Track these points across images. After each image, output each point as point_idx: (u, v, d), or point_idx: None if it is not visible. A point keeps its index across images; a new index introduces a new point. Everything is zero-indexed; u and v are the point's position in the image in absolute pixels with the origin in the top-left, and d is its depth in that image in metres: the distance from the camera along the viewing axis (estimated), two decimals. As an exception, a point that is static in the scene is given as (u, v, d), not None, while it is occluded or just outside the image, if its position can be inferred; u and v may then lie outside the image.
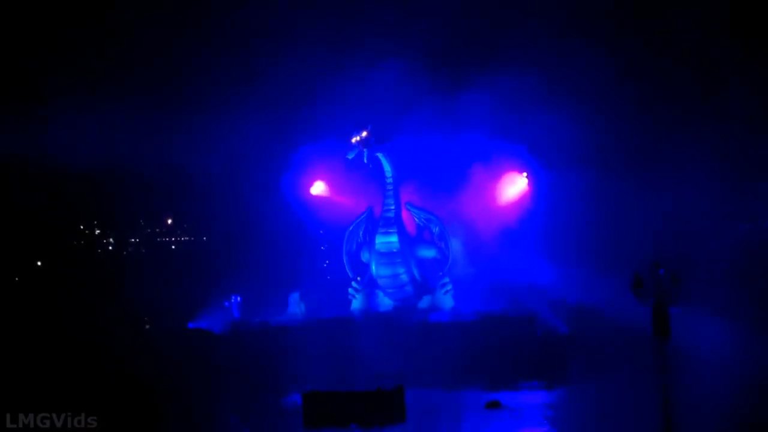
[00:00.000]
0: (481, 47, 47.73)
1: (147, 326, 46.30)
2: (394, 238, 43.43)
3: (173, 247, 61.52)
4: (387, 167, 43.25)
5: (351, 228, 44.98)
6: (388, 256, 43.64)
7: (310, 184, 46.91)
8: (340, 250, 45.31)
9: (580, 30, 46.26)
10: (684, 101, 47.25)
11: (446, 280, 43.34)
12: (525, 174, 44.52)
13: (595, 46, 44.53)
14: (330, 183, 46.87)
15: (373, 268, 44.05)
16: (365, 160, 42.58)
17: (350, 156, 42.49)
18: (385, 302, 43.88)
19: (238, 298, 44.27)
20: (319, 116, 47.13)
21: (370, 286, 44.30)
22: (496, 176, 44.82)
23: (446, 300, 43.16)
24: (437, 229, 43.90)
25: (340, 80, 44.24)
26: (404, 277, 43.59)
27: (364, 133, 42.23)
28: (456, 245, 44.36)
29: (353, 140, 42.25)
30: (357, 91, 43.37)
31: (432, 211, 44.33)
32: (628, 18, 48.44)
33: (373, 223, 44.43)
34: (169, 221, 61.27)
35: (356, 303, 44.07)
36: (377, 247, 43.78)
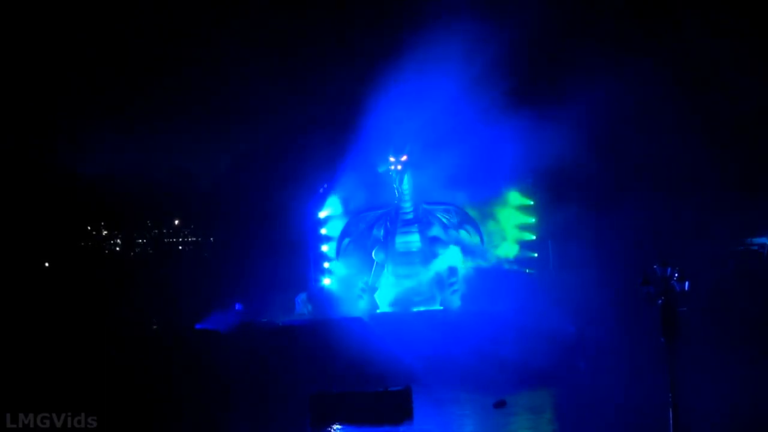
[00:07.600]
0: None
1: (154, 326, 46.24)
2: (414, 237, 44.17)
3: (180, 247, 61.55)
4: (408, 183, 44.17)
5: (362, 214, 45.36)
6: (406, 256, 44.27)
7: (319, 186, 47.10)
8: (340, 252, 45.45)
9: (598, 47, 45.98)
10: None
11: (454, 279, 43.54)
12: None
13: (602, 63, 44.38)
14: (337, 185, 46.89)
15: (391, 267, 44.48)
16: (396, 183, 44.11)
17: (381, 170, 44.04)
18: (391, 302, 44.00)
19: (240, 306, 44.64)
20: (324, 120, 47.27)
21: (378, 286, 44.52)
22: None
23: (453, 300, 43.30)
24: (457, 218, 44.15)
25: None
26: (422, 276, 44.11)
27: (404, 158, 43.60)
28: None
29: (391, 159, 43.76)
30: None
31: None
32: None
33: (391, 224, 44.70)
34: (176, 222, 61.31)
35: (363, 304, 44.25)
36: (396, 246, 44.43)
